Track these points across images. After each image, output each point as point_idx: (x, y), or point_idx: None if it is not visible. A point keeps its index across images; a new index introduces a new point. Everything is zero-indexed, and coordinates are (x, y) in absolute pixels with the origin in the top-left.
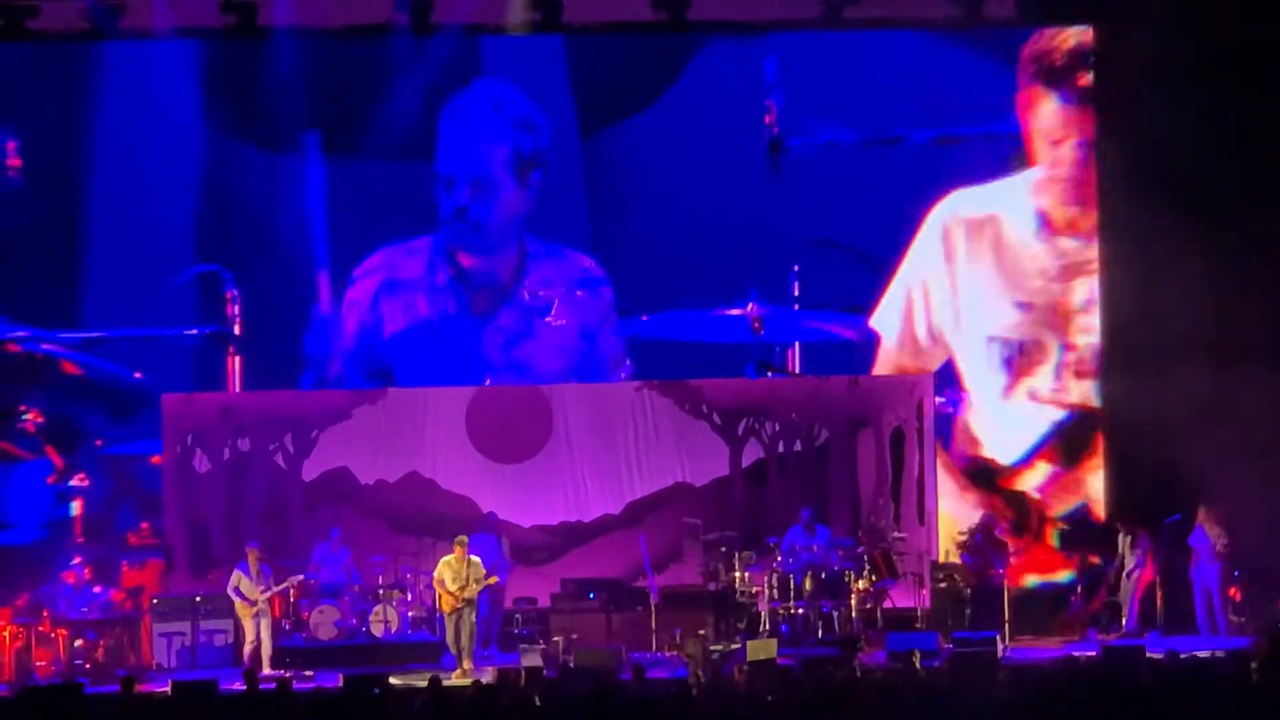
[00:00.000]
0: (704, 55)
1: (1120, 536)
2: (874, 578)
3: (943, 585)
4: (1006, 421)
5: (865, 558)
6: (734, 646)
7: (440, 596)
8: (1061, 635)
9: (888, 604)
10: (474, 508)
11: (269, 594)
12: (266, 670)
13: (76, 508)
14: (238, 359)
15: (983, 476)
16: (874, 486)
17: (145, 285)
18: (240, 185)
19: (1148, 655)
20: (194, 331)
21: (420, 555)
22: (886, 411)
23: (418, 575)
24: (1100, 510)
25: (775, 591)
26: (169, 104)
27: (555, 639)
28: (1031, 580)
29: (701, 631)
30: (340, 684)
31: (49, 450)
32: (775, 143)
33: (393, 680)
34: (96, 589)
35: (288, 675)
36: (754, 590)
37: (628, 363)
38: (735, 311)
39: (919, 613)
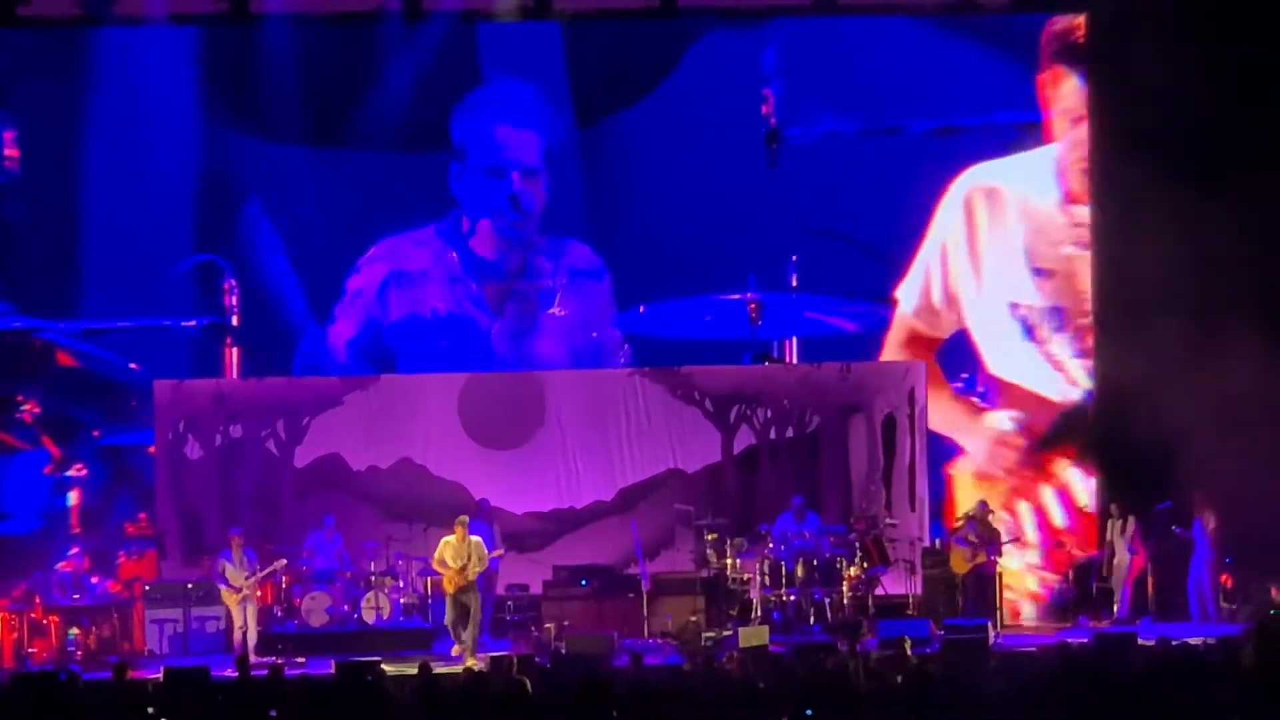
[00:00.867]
0: (702, 44)
1: (1111, 522)
2: (865, 564)
3: (934, 572)
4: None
5: (857, 544)
6: (726, 633)
7: (444, 577)
8: (1052, 622)
9: (879, 591)
10: (466, 494)
11: (254, 580)
12: (252, 657)
13: (73, 498)
14: (235, 349)
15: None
16: (865, 473)
17: (143, 275)
18: (237, 174)
19: (1139, 642)
20: (192, 322)
21: (412, 542)
22: (878, 398)
23: (410, 562)
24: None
25: (767, 578)
26: (165, 91)
27: (547, 626)
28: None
29: (694, 617)
30: (332, 671)
31: (46, 440)
32: (773, 132)
33: (385, 667)
34: (94, 579)
35: (279, 662)
36: (746, 577)
37: (626, 347)
38: (733, 296)
39: (910, 599)
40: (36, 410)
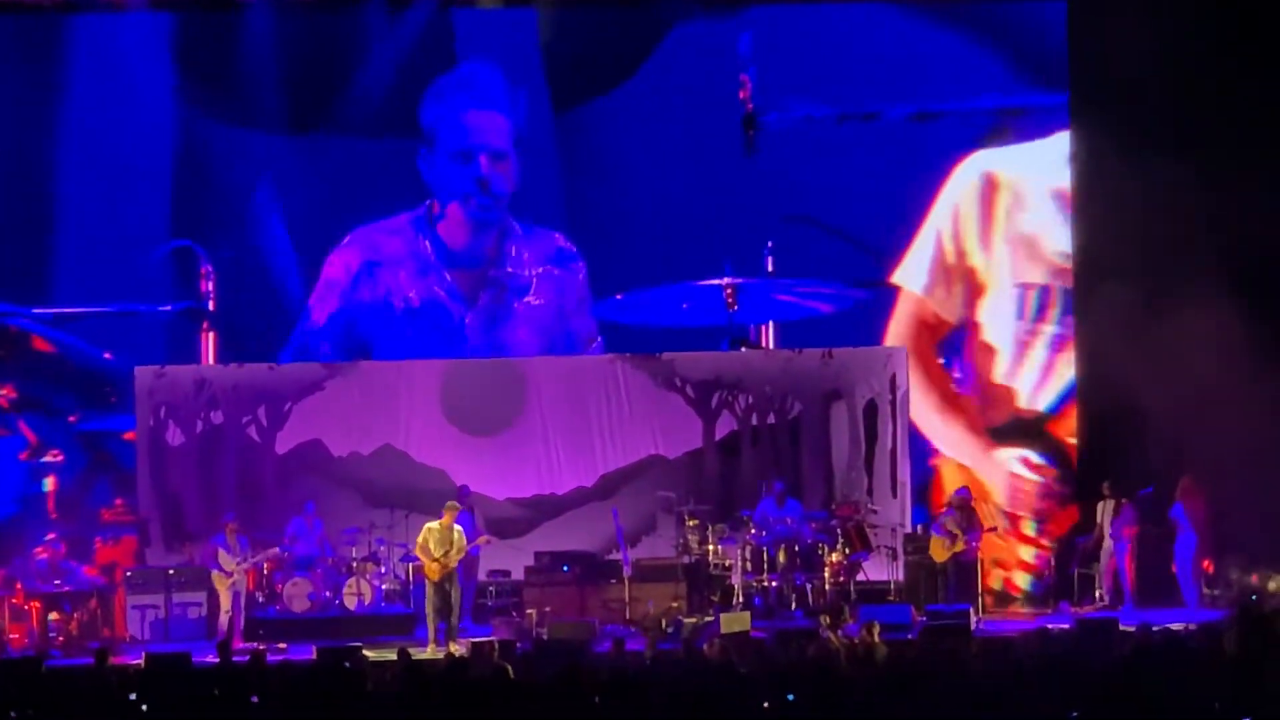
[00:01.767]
0: (678, 30)
1: (1101, 504)
2: (847, 550)
3: (916, 558)
4: (1034, 368)
5: (839, 530)
6: (707, 619)
7: (425, 565)
8: (1034, 608)
9: (861, 577)
10: (447, 480)
11: (245, 566)
12: (239, 642)
13: (50, 484)
14: (212, 335)
15: (1025, 430)
16: (847, 459)
17: (119, 261)
18: (214, 160)
19: (1121, 628)
20: (168, 308)
21: (394, 528)
22: (860, 384)
23: (391, 548)
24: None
25: (748, 564)
26: (142, 77)
27: (529, 612)
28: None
29: (675, 603)
30: (314, 656)
31: (22, 426)
32: (750, 118)
33: (366, 653)
34: (70, 564)
35: (261, 648)
36: (727, 563)
37: (599, 339)
38: (710, 282)
39: (892, 585)
40: (13, 396)
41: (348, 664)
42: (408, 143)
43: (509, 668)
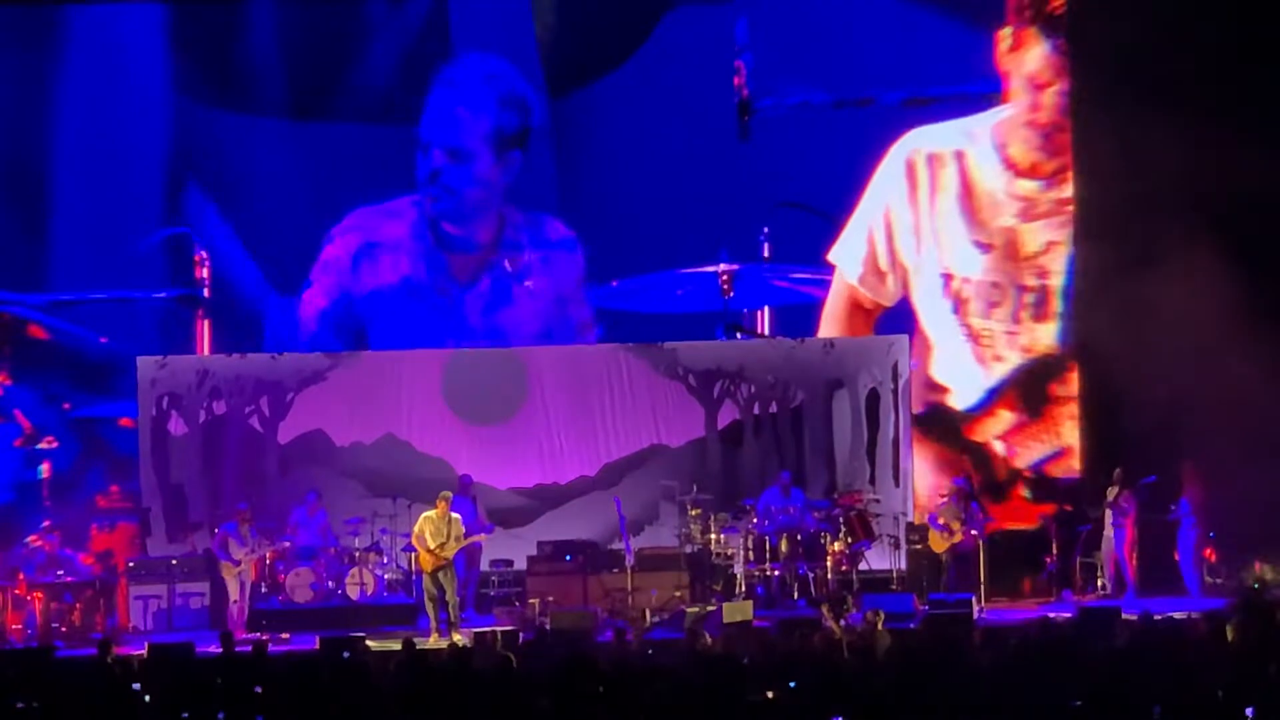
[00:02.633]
0: (674, 16)
1: (1110, 490)
2: (850, 539)
3: (919, 547)
4: (964, 365)
5: (841, 519)
6: (709, 608)
7: (419, 555)
8: (1036, 597)
9: (864, 566)
10: (450, 470)
11: (252, 557)
12: (242, 632)
13: (44, 470)
14: (207, 322)
15: (942, 425)
16: (849, 448)
17: (113, 248)
18: (210, 147)
19: (1123, 617)
20: (163, 295)
21: (396, 518)
22: (862, 373)
23: (394, 538)
24: (1076, 462)
25: (751, 553)
26: (137, 64)
27: (531, 601)
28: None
29: (677, 593)
30: (317, 646)
31: (16, 413)
32: (745, 104)
33: (369, 643)
34: (66, 551)
35: (264, 638)
36: (730, 552)
37: (597, 329)
38: (705, 268)
39: (895, 575)
40: (8, 383)
41: (347, 654)
42: (404, 129)
43: (512, 657)
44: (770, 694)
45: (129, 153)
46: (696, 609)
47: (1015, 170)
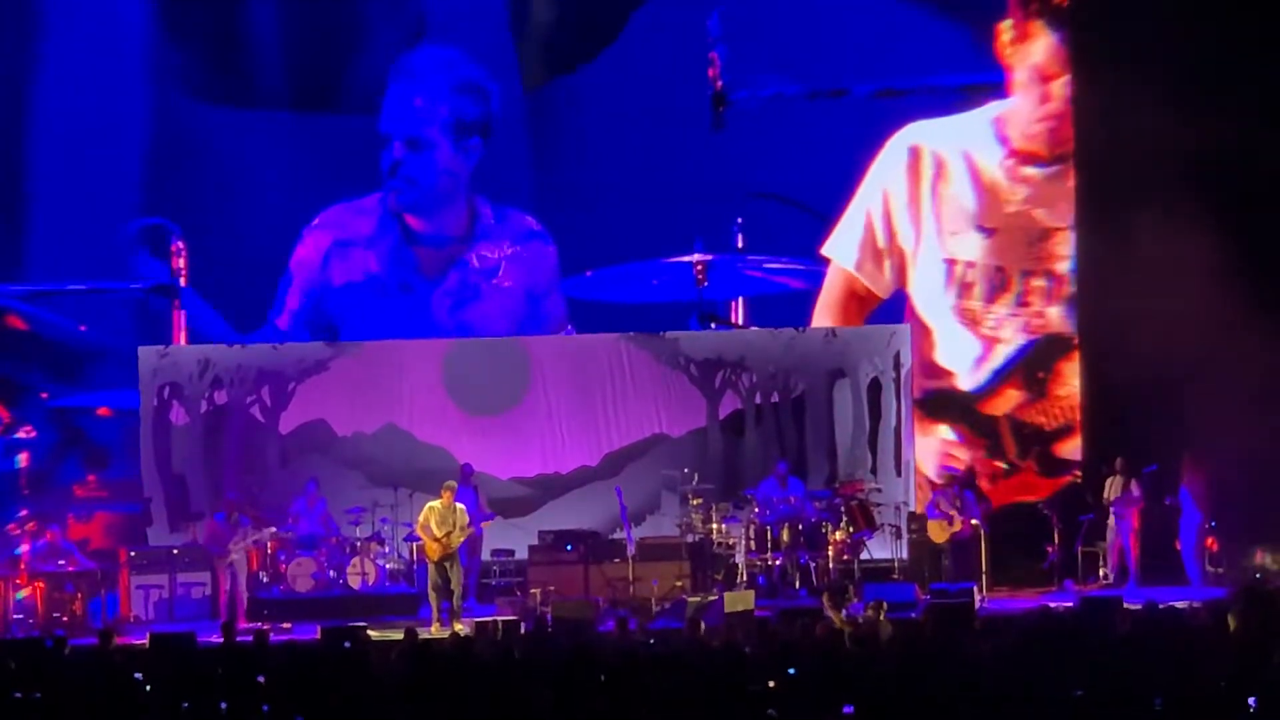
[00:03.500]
0: (648, 8)
1: (1110, 480)
2: (851, 529)
3: (920, 536)
4: (966, 348)
5: (842, 509)
6: (711, 598)
7: (426, 544)
8: (1037, 586)
9: (865, 555)
10: (451, 459)
11: (242, 545)
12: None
13: (22, 460)
14: (184, 312)
15: (948, 405)
16: (851, 437)
17: (91, 238)
18: (189, 138)
19: (1125, 606)
20: (139, 285)
21: (398, 507)
22: (863, 362)
23: (395, 527)
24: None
25: (752, 543)
26: (116, 54)
27: (533, 591)
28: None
29: (679, 582)
30: (318, 636)
31: None
32: (719, 95)
33: (371, 633)
34: (71, 545)
35: (265, 628)
36: (731, 542)
37: (569, 328)
38: (679, 259)
39: (896, 564)
40: None
41: (348, 644)
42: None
43: (513, 647)
44: (772, 683)
45: (106, 142)
46: (698, 599)
47: (1019, 157)
